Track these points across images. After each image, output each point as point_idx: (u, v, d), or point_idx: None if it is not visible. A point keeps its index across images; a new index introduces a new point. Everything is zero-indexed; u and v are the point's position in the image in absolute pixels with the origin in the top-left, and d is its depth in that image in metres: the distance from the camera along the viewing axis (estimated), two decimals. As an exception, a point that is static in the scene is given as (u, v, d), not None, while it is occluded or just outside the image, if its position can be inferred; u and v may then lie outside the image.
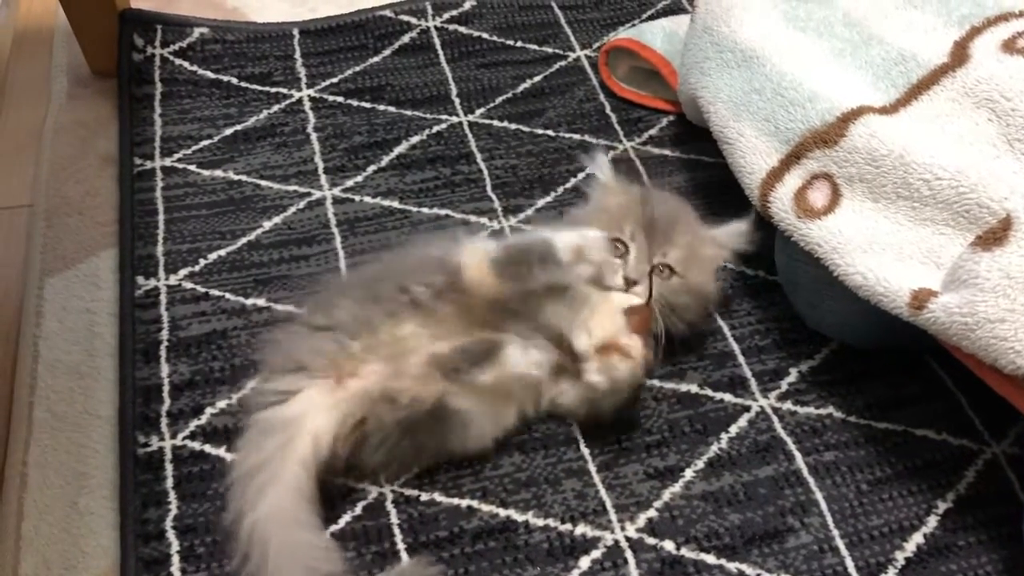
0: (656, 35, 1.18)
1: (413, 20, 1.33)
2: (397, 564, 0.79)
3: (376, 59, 1.28)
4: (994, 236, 0.71)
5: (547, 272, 0.82)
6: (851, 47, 0.93)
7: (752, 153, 0.91)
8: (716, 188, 1.10)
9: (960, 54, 0.86)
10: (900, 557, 0.81)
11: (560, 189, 1.11)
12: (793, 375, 0.94)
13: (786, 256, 0.92)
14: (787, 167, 0.88)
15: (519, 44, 1.31)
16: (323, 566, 0.73)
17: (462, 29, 1.33)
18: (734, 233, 0.92)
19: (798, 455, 0.87)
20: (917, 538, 0.82)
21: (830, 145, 0.85)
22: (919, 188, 0.79)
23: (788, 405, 0.91)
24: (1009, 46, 0.84)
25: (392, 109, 1.20)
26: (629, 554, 0.80)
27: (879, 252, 0.79)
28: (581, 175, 1.13)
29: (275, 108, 1.20)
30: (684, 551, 0.81)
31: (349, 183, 1.11)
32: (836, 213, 0.83)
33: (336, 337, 0.81)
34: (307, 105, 1.20)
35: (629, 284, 0.86)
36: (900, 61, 0.88)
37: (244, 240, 1.04)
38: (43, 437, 0.88)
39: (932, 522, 0.83)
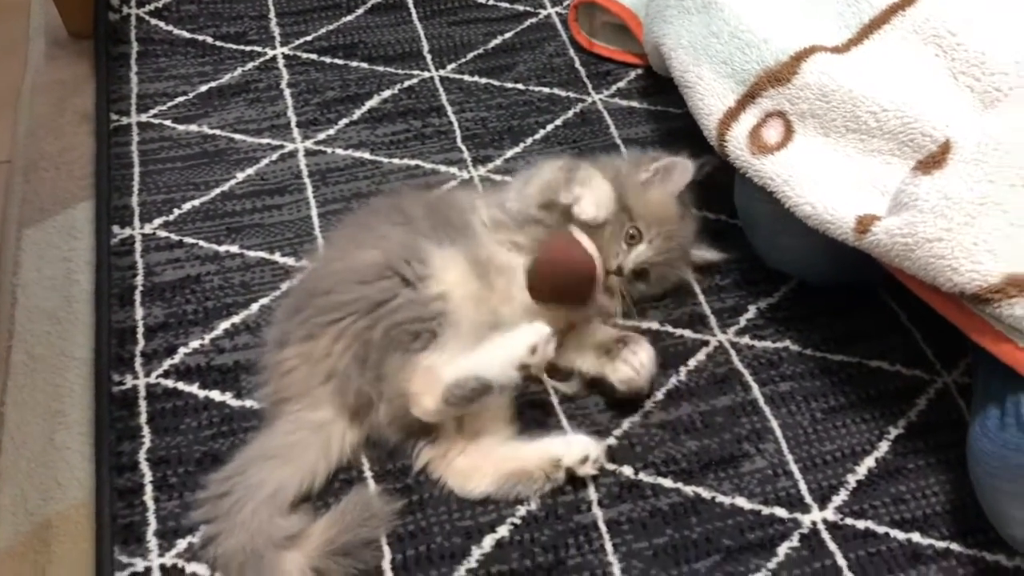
0: (623, -11, 1.20)
1: (386, -20, 1.35)
2: (365, 488, 0.81)
3: (349, 17, 1.29)
4: (933, 160, 0.73)
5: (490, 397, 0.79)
6: (807, -9, 0.95)
7: (710, 95, 0.93)
8: (680, 137, 1.12)
9: (910, -7, 0.88)
10: (852, 480, 0.84)
11: (529, 140, 1.14)
12: (752, 312, 0.96)
13: (744, 196, 0.95)
14: (743, 107, 0.90)
15: (491, 2, 1.33)
16: (284, 535, 0.75)
17: (434, -12, 1.34)
18: (707, 258, 0.98)
19: (755, 386, 0.90)
20: (869, 462, 0.85)
21: (783, 83, 0.87)
22: (867, 120, 0.82)
23: (746, 340, 0.94)
24: (957, -16, 0.86)
25: (364, 65, 1.22)
26: (588, 478, 0.83)
27: (828, 183, 0.81)
28: (549, 127, 1.15)
29: (249, 65, 1.22)
30: (642, 476, 0.83)
31: (321, 136, 1.13)
32: (788, 148, 0.86)
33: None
34: (281, 62, 1.22)
35: (616, 271, 0.88)
36: (853, 3, 0.90)
37: (218, 191, 1.06)
38: (21, 378, 0.91)
39: (884, 447, 0.86)
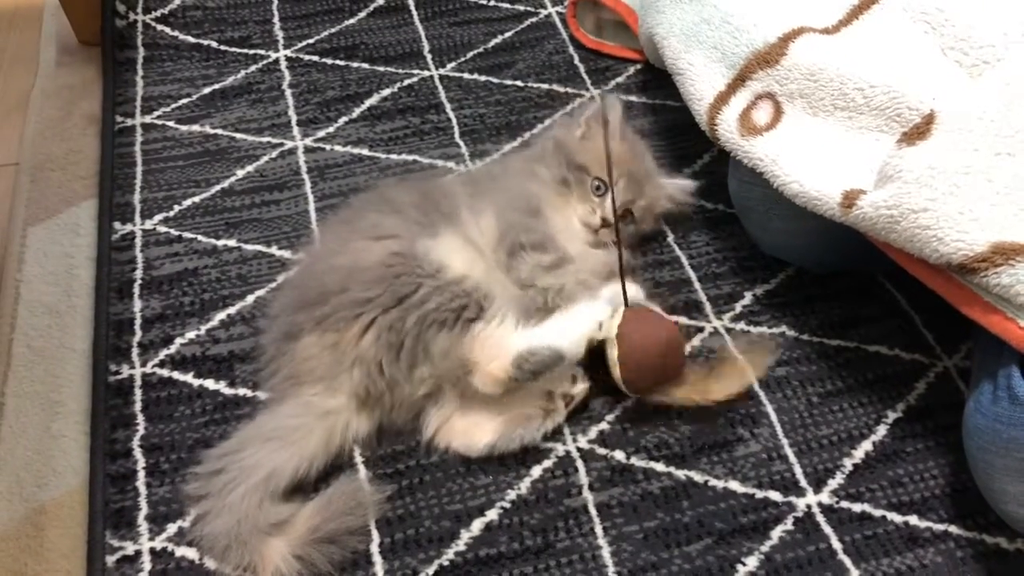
0: (621, -15, 1.21)
1: (388, -17, 1.37)
2: (355, 476, 0.81)
3: (351, 21, 1.31)
4: (918, 131, 0.72)
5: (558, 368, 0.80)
6: (797, -23, 0.95)
7: (701, 81, 0.93)
8: (679, 130, 1.13)
9: (900, -27, 0.87)
10: (848, 463, 0.82)
11: (527, 135, 1.14)
12: (748, 298, 0.95)
13: (736, 181, 0.94)
14: (733, 90, 0.90)
15: (492, 3, 1.34)
16: (271, 521, 0.75)
17: (436, -10, 1.36)
18: (683, 190, 0.99)
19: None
20: (866, 446, 0.84)
21: (772, 65, 0.86)
22: (854, 98, 0.81)
23: (741, 325, 0.93)
24: (946, -37, 0.85)
25: (365, 66, 1.24)
26: (580, 463, 0.82)
27: (816, 161, 0.81)
28: (547, 121, 1.15)
29: (252, 68, 1.23)
30: (634, 460, 0.83)
31: (321, 133, 1.14)
32: (777, 129, 0.85)
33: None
34: (283, 64, 1.24)
35: (603, 224, 0.90)
36: (842, -15, 0.90)
37: (217, 187, 1.07)
38: (21, 370, 0.92)
39: (881, 431, 0.85)
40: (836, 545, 0.77)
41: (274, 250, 1.00)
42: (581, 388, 0.83)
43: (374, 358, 0.80)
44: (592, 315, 0.81)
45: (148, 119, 1.16)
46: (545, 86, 1.21)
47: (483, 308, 0.80)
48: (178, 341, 0.92)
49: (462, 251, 0.85)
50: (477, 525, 0.78)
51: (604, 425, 0.85)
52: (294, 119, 1.16)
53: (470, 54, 1.26)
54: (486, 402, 0.82)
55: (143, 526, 0.78)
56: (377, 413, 0.82)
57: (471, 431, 0.82)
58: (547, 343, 0.78)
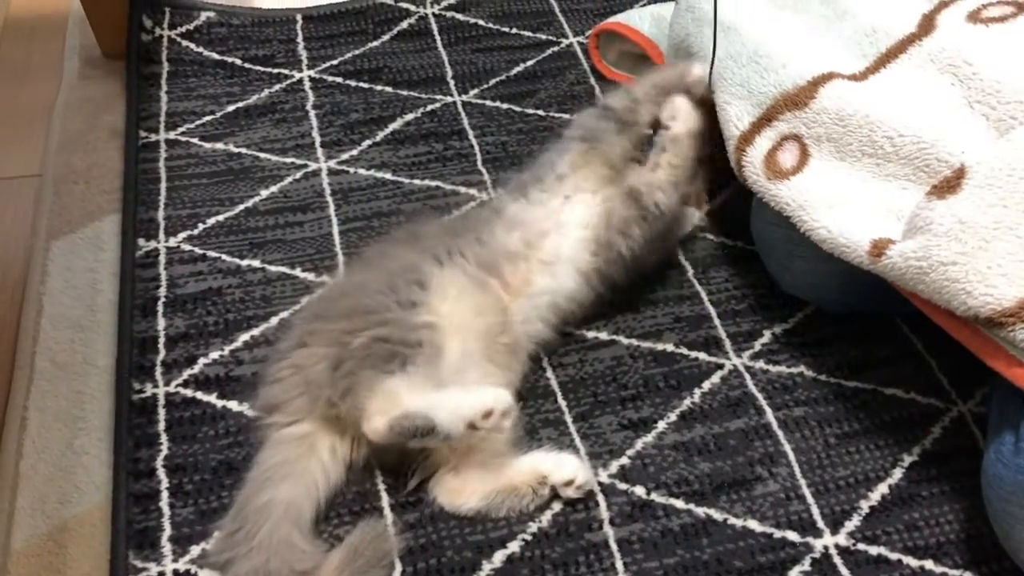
0: (644, 19, 1.22)
1: (412, 7, 1.38)
2: (378, 520, 0.81)
3: (375, 43, 1.32)
4: (948, 184, 0.74)
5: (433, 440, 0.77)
6: (826, 22, 0.96)
7: (724, 119, 0.94)
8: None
9: (927, 25, 0.89)
10: (865, 506, 0.84)
11: (548, 164, 1.15)
12: (767, 336, 0.97)
13: (759, 219, 0.96)
14: (758, 130, 0.91)
15: (514, 31, 1.36)
16: (299, 567, 0.74)
17: (459, 16, 1.37)
18: None
19: (768, 410, 0.90)
20: (882, 488, 0.85)
21: (800, 107, 0.88)
22: (883, 145, 0.82)
23: (760, 364, 0.94)
24: (974, 16, 0.87)
25: (389, 89, 1.25)
26: (600, 498, 0.83)
27: (843, 207, 0.82)
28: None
29: (276, 87, 1.24)
30: (654, 496, 0.83)
31: (344, 156, 1.15)
32: (804, 173, 0.86)
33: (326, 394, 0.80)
34: (307, 85, 1.25)
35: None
36: (871, 33, 0.92)
37: (242, 207, 1.08)
38: (43, 384, 0.92)
39: (897, 474, 0.86)
40: (853, 587, 0.78)
41: (298, 272, 1.01)
42: (570, 494, 0.81)
43: (317, 377, 0.80)
44: (480, 402, 0.76)
45: (172, 135, 1.17)
46: (567, 116, 1.21)
47: (409, 363, 0.79)
48: (202, 361, 0.92)
49: (457, 289, 0.85)
50: (499, 557, 0.79)
51: (625, 460, 0.86)
52: (318, 140, 1.17)
53: (492, 81, 1.27)
54: (480, 466, 0.82)
55: (166, 547, 0.79)
56: (356, 442, 0.82)
57: (460, 491, 0.81)
58: (426, 411, 0.76)
